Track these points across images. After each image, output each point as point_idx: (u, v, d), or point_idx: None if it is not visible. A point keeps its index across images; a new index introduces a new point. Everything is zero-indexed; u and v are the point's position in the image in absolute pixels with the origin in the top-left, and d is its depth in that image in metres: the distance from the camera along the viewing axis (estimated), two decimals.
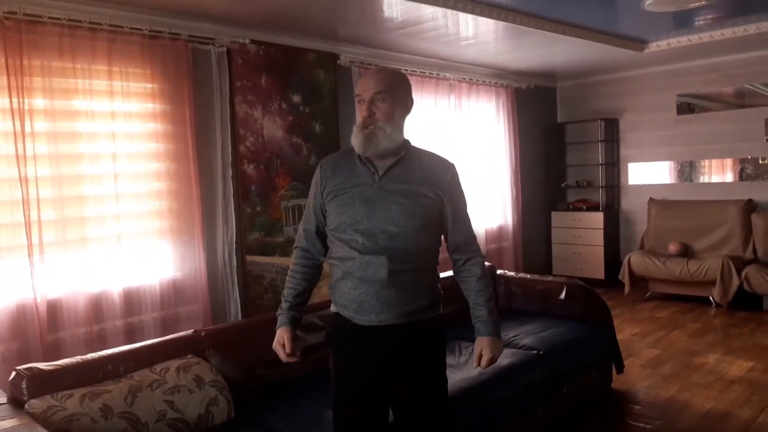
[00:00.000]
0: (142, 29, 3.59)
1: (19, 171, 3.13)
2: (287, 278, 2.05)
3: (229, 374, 2.67)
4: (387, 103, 1.85)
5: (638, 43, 5.50)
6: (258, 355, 2.79)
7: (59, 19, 3.26)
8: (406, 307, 1.85)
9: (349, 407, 1.92)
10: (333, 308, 1.97)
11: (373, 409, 1.91)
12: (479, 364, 1.97)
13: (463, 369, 3.12)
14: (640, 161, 6.83)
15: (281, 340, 1.96)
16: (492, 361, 1.96)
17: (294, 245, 2.07)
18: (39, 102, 3.24)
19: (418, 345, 1.89)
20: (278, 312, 2.02)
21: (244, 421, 2.56)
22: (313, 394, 2.70)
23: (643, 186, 6.80)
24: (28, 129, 3.16)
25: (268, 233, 4.35)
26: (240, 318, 4.08)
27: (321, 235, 1.99)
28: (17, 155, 3.13)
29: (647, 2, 4.07)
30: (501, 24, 4.35)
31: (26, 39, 3.15)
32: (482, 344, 1.96)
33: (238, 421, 2.55)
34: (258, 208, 4.29)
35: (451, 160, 2.02)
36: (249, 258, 4.24)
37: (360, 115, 1.89)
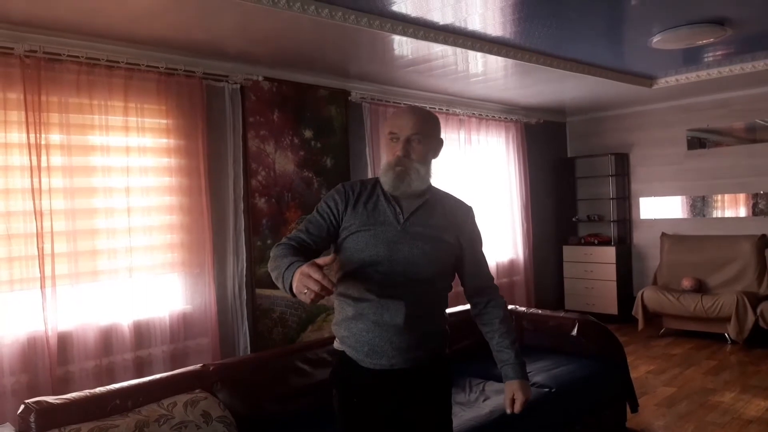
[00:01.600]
0: (158, 66, 3.67)
1: (34, 204, 3.18)
2: (273, 256, 1.78)
3: (237, 410, 2.65)
4: (422, 144, 1.83)
5: (646, 79, 5.54)
6: (266, 391, 2.77)
7: (78, 57, 3.35)
8: (418, 351, 1.83)
9: None
10: (338, 346, 1.91)
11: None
12: (512, 409, 1.96)
13: (474, 407, 3.08)
14: (651, 195, 6.81)
15: (307, 273, 1.51)
16: (525, 403, 1.95)
17: (278, 243, 1.85)
18: (56, 137, 3.30)
19: (427, 387, 1.89)
20: (282, 268, 1.67)
21: None
22: (321, 430, 2.67)
23: (655, 220, 6.76)
24: (44, 163, 3.22)
25: None
26: (249, 351, 4.06)
27: (309, 252, 1.80)
28: (32, 189, 3.18)
29: (654, 39, 4.12)
30: (510, 61, 4.41)
31: (45, 76, 3.23)
32: (513, 388, 1.95)
33: None
34: (269, 242, 4.31)
35: (469, 204, 2.04)
36: (259, 291, 4.24)
37: (392, 152, 1.83)
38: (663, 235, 6.51)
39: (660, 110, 6.62)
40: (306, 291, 1.51)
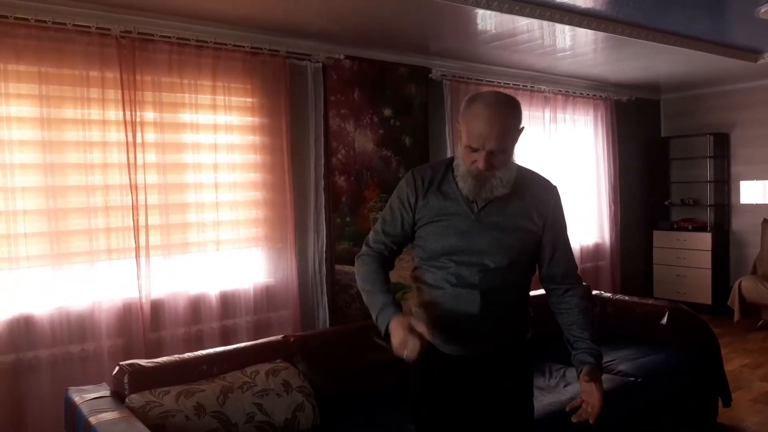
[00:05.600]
0: (244, 46, 3.76)
1: (129, 178, 3.36)
2: (362, 272, 1.81)
3: (315, 380, 2.71)
4: (506, 153, 1.68)
5: (751, 53, 5.12)
6: (344, 364, 2.82)
7: (169, 37, 3.48)
8: (496, 338, 1.79)
9: (432, 427, 1.86)
10: None
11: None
12: (580, 418, 1.75)
13: (553, 392, 3.00)
14: (753, 179, 6.33)
15: (406, 328, 1.56)
16: (599, 412, 1.73)
17: (363, 252, 1.85)
18: (149, 114, 3.46)
19: (506, 371, 1.83)
20: (376, 305, 1.70)
21: (329, 429, 2.58)
22: (395, 407, 2.68)
23: (757, 206, 6.28)
24: (139, 140, 3.39)
25: (356, 243, 4.40)
26: (328, 325, 4.15)
27: (398, 251, 1.86)
28: (128, 164, 3.36)
29: (762, 10, 3.78)
30: (600, 35, 4.19)
31: (139, 56, 3.39)
32: (590, 390, 1.73)
33: (323, 428, 2.58)
34: (347, 219, 4.36)
35: (553, 182, 1.89)
36: (338, 267, 4.31)
37: (469, 160, 1.66)
38: (765, 221, 6.05)
39: (767, 87, 6.11)
40: (406, 351, 1.54)
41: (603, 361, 3.26)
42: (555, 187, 1.87)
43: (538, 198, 1.80)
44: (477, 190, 1.68)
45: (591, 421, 1.73)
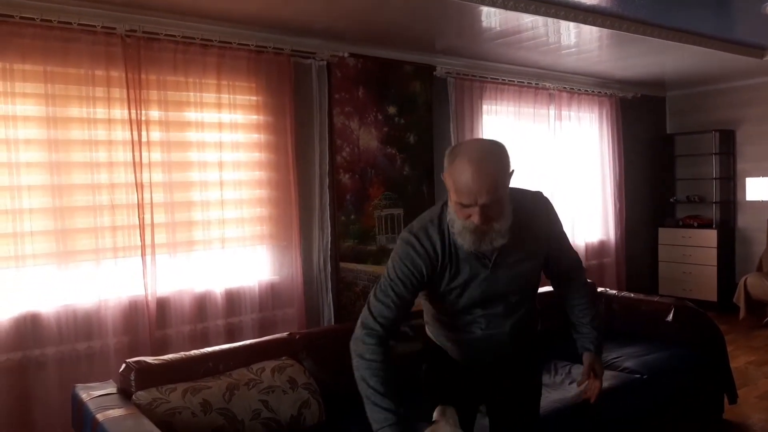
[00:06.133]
0: (248, 45, 3.76)
1: (135, 177, 3.37)
2: (362, 368, 1.69)
3: (321, 377, 2.71)
4: (500, 203, 1.59)
5: (757, 49, 5.09)
6: (349, 361, 2.81)
7: (174, 36, 3.49)
8: (516, 350, 1.89)
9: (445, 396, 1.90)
10: (429, 333, 1.96)
11: (466, 406, 1.93)
12: (587, 395, 1.96)
13: (559, 389, 3.00)
14: (759, 176, 6.30)
15: None
16: (600, 389, 1.95)
17: (360, 334, 1.73)
18: (154, 113, 3.47)
19: (519, 362, 1.93)
20: (378, 420, 1.61)
21: (334, 426, 2.58)
22: (400, 404, 2.68)
23: (763, 203, 6.26)
24: (144, 138, 3.40)
25: (361, 241, 4.41)
26: (333, 323, 4.16)
27: (399, 323, 1.76)
28: (134, 162, 3.37)
29: (767, 6, 3.77)
30: (605, 31, 4.18)
31: (144, 55, 3.39)
32: (591, 360, 1.95)
33: (329, 425, 2.58)
34: (352, 217, 4.36)
35: (540, 193, 1.86)
36: (343, 265, 4.31)
37: (463, 214, 1.60)
38: None
39: None
40: None
41: (609, 359, 3.30)
42: (544, 199, 1.85)
43: (536, 219, 1.79)
44: (477, 244, 1.63)
45: (592, 401, 1.91)
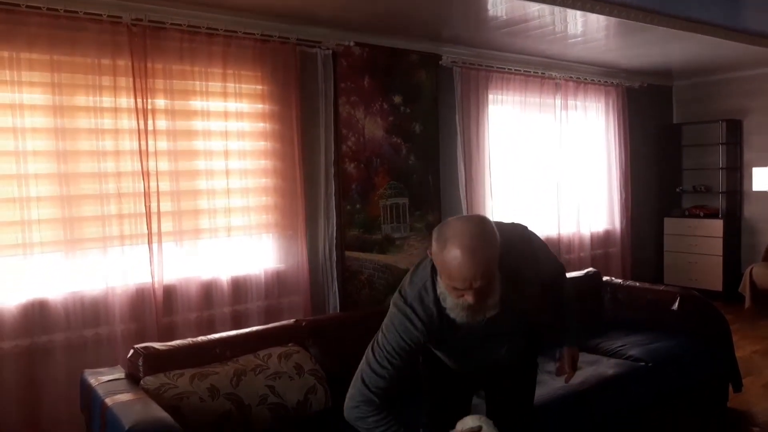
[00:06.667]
0: (254, 33, 3.76)
1: (141, 165, 3.38)
2: (374, 426, 1.70)
3: (327, 364, 2.73)
4: (492, 282, 1.58)
5: (766, 38, 5.05)
6: (355, 348, 2.81)
7: (180, 24, 3.49)
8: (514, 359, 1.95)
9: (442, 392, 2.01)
10: None
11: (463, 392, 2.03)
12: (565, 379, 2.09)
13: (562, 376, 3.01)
14: (766, 166, 6.27)
15: None
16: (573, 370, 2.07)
17: (355, 403, 1.73)
18: (160, 102, 3.48)
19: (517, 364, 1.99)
20: None
21: (340, 412, 2.60)
22: (406, 389, 2.70)
23: None
24: (150, 127, 3.41)
25: (366, 230, 4.42)
26: (338, 311, 4.17)
27: (393, 389, 1.74)
28: (140, 151, 3.38)
29: None
30: (612, 20, 4.15)
31: (150, 43, 3.40)
32: (572, 353, 2.06)
33: (335, 410, 2.60)
34: (357, 206, 4.37)
35: (522, 228, 1.82)
36: (348, 254, 4.33)
37: (456, 294, 1.58)
38: None
39: None
40: None
41: (615, 347, 3.34)
42: (523, 229, 1.82)
43: (523, 257, 1.73)
44: (471, 318, 1.62)
45: (566, 382, 2.09)
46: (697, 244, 6.39)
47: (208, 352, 2.58)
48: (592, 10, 3.93)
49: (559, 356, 2.06)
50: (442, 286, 1.62)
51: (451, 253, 1.52)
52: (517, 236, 1.77)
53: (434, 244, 1.58)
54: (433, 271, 1.66)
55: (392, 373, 1.67)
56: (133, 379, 2.41)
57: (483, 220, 1.61)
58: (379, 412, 1.68)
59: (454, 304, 1.60)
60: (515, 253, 1.68)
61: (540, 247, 1.88)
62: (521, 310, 1.78)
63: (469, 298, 1.55)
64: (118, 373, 2.46)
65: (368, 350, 1.74)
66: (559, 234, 5.51)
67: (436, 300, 1.66)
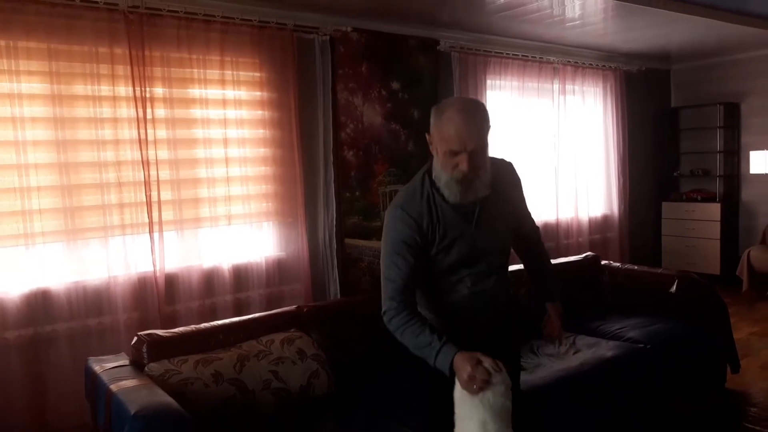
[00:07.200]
0: (251, 20, 3.75)
1: (141, 154, 3.38)
2: (404, 338, 1.76)
3: (329, 349, 2.75)
4: (485, 151, 1.77)
5: (764, 20, 5.04)
6: (357, 333, 2.86)
7: (177, 12, 3.47)
8: (500, 323, 1.95)
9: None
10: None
11: None
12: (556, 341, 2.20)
13: (564, 359, 3.05)
14: (764, 149, 6.28)
15: (472, 360, 1.61)
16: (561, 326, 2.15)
17: (387, 318, 1.80)
18: (159, 90, 3.47)
19: (503, 338, 1.96)
20: (432, 351, 1.69)
21: (343, 395, 2.63)
22: (408, 373, 2.72)
23: (767, 175, 6.25)
24: (149, 116, 3.41)
25: (366, 218, 4.43)
26: (339, 298, 4.19)
27: (413, 290, 1.84)
28: (140, 139, 3.38)
29: None
30: (610, 2, 4.14)
31: (147, 31, 3.38)
32: (557, 309, 2.14)
33: (338, 394, 2.63)
34: (357, 193, 4.38)
35: (509, 161, 2.00)
36: (348, 241, 4.34)
37: (451, 165, 1.73)
38: None
39: None
40: (478, 383, 1.58)
41: (614, 329, 3.37)
42: (510, 164, 1.99)
43: (509, 182, 1.95)
44: (463, 194, 1.75)
45: (557, 340, 2.18)
46: (695, 228, 6.42)
47: (211, 339, 2.60)
48: None
49: (546, 317, 2.13)
50: (438, 168, 1.79)
51: (447, 115, 1.73)
52: (507, 164, 1.97)
53: (433, 118, 1.79)
54: (424, 176, 1.84)
55: (402, 274, 1.77)
56: (137, 365, 2.43)
57: (477, 100, 1.87)
58: (407, 317, 1.75)
59: (449, 178, 1.75)
60: (503, 172, 1.91)
61: (521, 183, 2.02)
62: (504, 225, 1.91)
63: (462, 165, 1.70)
64: (123, 360, 2.48)
65: (381, 268, 1.84)
66: (557, 219, 5.53)
67: (427, 198, 1.80)
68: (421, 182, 1.84)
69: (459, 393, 1.66)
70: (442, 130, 1.73)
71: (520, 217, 2.03)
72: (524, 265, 2.19)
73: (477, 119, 1.73)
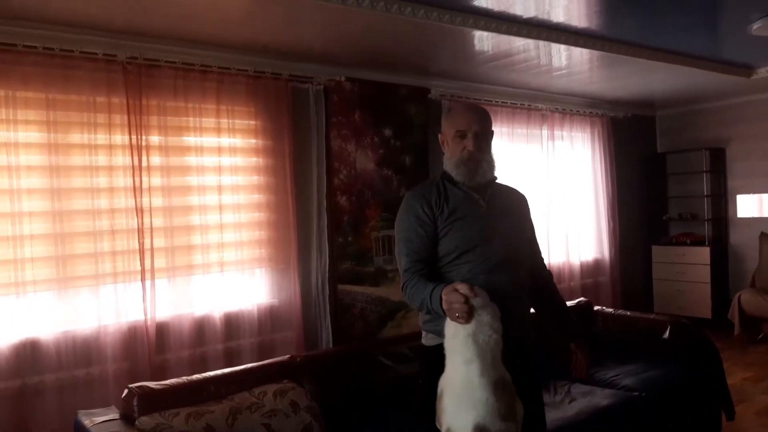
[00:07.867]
0: (247, 70, 3.82)
1: (135, 202, 3.39)
2: (410, 292, 1.88)
3: (323, 401, 2.72)
4: (488, 138, 2.02)
5: (744, 68, 5.21)
6: (351, 384, 2.83)
7: (174, 62, 3.54)
8: (513, 335, 1.83)
9: None
10: (432, 341, 1.93)
11: None
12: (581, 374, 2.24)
13: (560, 408, 3.03)
14: (750, 192, 6.39)
15: (449, 289, 1.70)
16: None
17: (403, 282, 1.93)
18: (155, 138, 3.50)
19: (519, 371, 1.87)
20: (426, 294, 1.79)
21: None
22: (403, 424, 2.69)
23: (754, 219, 6.34)
24: (144, 163, 3.43)
25: (358, 263, 4.44)
26: (331, 345, 4.15)
27: (431, 264, 1.93)
28: (134, 187, 3.39)
29: (754, 26, 3.87)
30: (595, 53, 4.27)
31: (145, 81, 3.44)
32: (581, 347, 2.23)
33: None
34: (350, 238, 4.39)
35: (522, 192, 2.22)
36: (340, 287, 4.33)
37: (459, 149, 1.97)
38: (762, 234, 6.10)
39: (760, 102, 6.19)
40: (456, 309, 1.65)
41: (608, 377, 3.37)
42: (525, 195, 2.19)
43: (522, 201, 2.15)
44: (472, 173, 1.94)
45: (584, 376, 2.26)
46: (685, 272, 6.46)
47: (203, 391, 2.57)
48: (576, 44, 4.03)
49: (574, 357, 2.21)
50: (448, 158, 2.01)
51: (455, 110, 2.09)
52: (521, 193, 2.17)
53: (443, 118, 2.12)
54: (435, 177, 2.08)
55: (414, 247, 1.92)
56: (128, 419, 2.39)
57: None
58: (417, 279, 1.87)
59: (458, 159, 1.95)
60: (516, 193, 2.14)
61: (531, 215, 2.19)
62: (514, 223, 2.03)
63: (469, 145, 1.93)
64: (113, 414, 2.44)
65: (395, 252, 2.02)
66: (549, 264, 5.54)
67: (437, 185, 1.99)
68: (431, 180, 2.08)
69: (451, 328, 1.71)
70: (450, 121, 2.02)
71: (532, 239, 2.16)
72: (537, 309, 2.21)
73: (482, 112, 2.04)
